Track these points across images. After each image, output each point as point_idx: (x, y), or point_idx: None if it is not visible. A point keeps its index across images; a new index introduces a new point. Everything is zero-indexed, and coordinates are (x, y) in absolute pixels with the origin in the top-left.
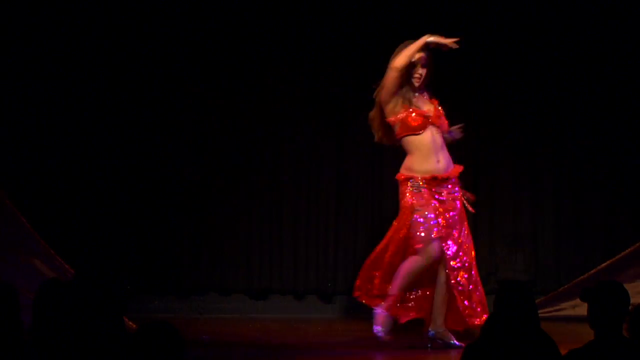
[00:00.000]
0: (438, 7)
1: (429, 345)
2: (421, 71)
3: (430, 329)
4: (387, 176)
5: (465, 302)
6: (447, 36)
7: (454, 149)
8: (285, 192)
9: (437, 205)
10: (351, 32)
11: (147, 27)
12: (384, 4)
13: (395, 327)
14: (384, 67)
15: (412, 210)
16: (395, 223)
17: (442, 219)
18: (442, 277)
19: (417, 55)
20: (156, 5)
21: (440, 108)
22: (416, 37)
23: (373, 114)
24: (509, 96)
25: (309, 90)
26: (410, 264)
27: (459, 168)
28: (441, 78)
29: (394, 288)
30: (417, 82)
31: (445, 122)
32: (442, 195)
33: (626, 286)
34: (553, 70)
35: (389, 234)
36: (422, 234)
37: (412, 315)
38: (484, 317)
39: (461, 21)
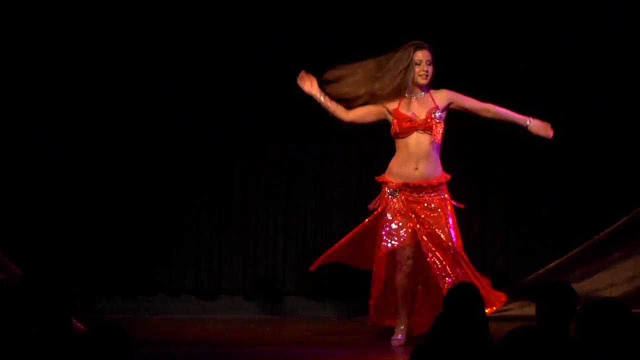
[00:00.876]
0: (429, 8)
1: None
2: (427, 68)
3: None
4: (336, 177)
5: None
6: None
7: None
8: (234, 192)
9: (407, 215)
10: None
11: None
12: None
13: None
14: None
15: (383, 215)
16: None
17: (417, 223)
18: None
19: (421, 54)
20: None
21: (435, 114)
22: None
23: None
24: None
25: (257, 92)
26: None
27: (442, 177)
28: None
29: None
30: (423, 79)
31: (437, 129)
32: (421, 199)
33: (574, 286)
34: (503, 71)
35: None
36: (387, 244)
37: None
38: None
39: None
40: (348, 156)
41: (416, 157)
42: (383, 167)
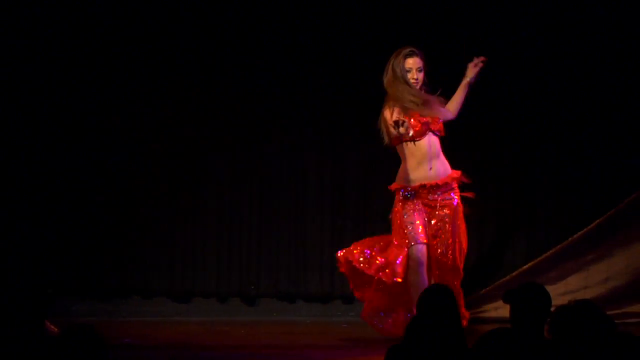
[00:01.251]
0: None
1: None
2: (417, 75)
3: None
4: (310, 179)
5: None
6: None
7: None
8: (208, 194)
9: (424, 213)
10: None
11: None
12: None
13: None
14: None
15: (402, 215)
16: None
17: (428, 228)
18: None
19: (411, 61)
20: None
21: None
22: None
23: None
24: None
25: (231, 98)
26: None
27: (454, 174)
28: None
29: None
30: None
31: (442, 126)
32: (434, 202)
33: (548, 288)
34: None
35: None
36: (411, 233)
37: None
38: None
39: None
40: (322, 161)
41: (430, 158)
42: (357, 171)
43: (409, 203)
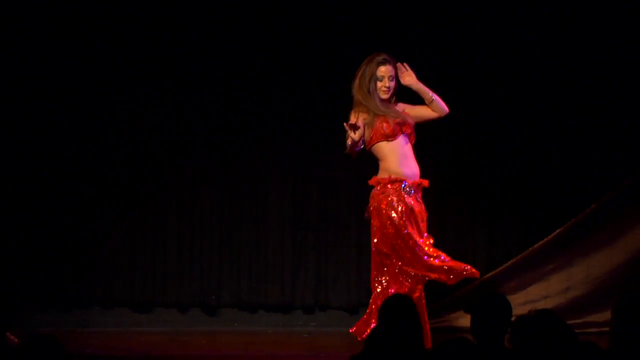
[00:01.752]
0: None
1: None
2: (389, 84)
3: None
4: (271, 189)
5: None
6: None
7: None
8: (169, 204)
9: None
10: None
11: None
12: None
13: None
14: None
15: (408, 215)
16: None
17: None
18: None
19: (383, 69)
20: None
21: (409, 121)
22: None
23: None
24: None
25: (194, 106)
26: None
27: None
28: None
29: None
30: (384, 94)
31: (413, 133)
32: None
33: (508, 298)
34: (464, 78)
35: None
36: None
37: None
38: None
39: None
40: (284, 172)
41: (410, 156)
42: (319, 182)
43: (412, 201)
